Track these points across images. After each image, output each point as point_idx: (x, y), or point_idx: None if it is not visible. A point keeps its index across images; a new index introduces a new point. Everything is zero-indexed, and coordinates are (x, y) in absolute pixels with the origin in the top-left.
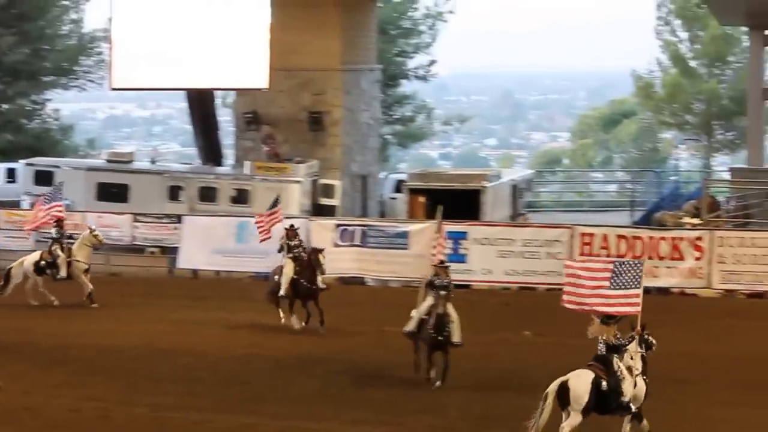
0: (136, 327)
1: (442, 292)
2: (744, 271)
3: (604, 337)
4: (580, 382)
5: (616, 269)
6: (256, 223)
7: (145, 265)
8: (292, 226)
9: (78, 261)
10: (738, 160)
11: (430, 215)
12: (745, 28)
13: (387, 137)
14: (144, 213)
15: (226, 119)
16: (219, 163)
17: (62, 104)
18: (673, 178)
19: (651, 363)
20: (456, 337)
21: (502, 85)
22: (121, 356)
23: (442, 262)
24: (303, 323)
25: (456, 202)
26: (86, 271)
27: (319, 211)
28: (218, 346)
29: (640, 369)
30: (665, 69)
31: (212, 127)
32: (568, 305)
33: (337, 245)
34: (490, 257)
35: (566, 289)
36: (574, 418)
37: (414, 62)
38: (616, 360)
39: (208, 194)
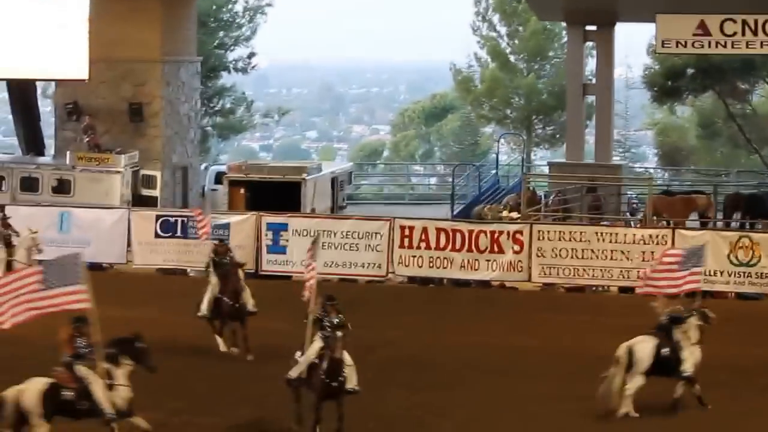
0: None
1: (338, 333)
2: (563, 264)
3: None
4: (644, 347)
5: (684, 254)
6: (196, 217)
7: None
8: (222, 241)
9: None
10: (558, 155)
11: (249, 207)
12: (563, 24)
13: (207, 129)
14: None
15: (47, 110)
16: (40, 154)
17: None
18: (492, 171)
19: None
20: (352, 383)
21: (323, 77)
22: None
23: (330, 297)
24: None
25: (276, 194)
26: None
27: (140, 202)
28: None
29: (697, 338)
30: (484, 64)
31: (33, 117)
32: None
33: (158, 236)
34: None
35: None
36: (637, 380)
37: (234, 54)
38: (675, 330)
39: (29, 184)
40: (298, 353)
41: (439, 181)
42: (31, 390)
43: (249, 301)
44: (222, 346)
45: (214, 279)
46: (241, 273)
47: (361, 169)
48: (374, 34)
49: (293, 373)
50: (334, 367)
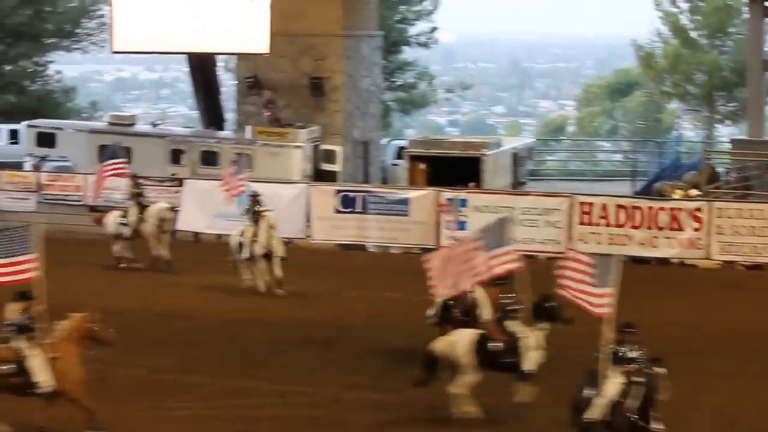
0: (135, 289)
1: (659, 370)
2: (742, 242)
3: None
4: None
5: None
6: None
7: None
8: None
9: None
10: (741, 131)
11: (430, 182)
12: (745, 0)
13: (389, 104)
14: (146, 176)
15: (228, 84)
16: (220, 128)
17: (68, 66)
18: (674, 148)
19: (648, 333)
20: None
21: (510, 52)
22: (120, 319)
23: (627, 325)
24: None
25: (456, 170)
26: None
27: (320, 176)
28: (218, 310)
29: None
30: (666, 39)
31: (214, 91)
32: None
33: (338, 211)
34: None
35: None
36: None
37: (416, 29)
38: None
39: (209, 158)
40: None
41: (623, 157)
42: (462, 341)
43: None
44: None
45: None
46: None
47: (545, 145)
48: (561, 9)
49: (594, 415)
50: (648, 408)
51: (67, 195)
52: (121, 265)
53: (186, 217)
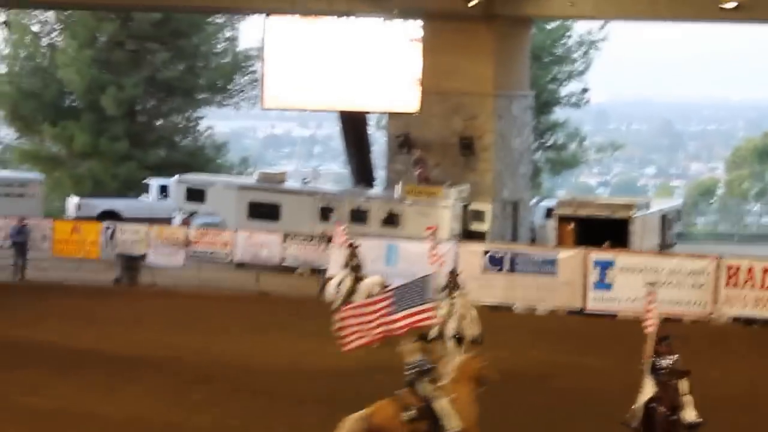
0: (281, 347)
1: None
2: None
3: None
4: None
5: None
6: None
7: (294, 285)
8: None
9: None
10: None
11: (578, 242)
12: None
13: (539, 163)
14: (294, 233)
15: (379, 141)
16: (370, 185)
17: (221, 122)
18: None
19: None
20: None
21: (662, 114)
22: (264, 376)
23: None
24: None
25: (604, 231)
26: None
27: (469, 236)
28: (363, 367)
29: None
30: None
31: (364, 148)
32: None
33: (485, 271)
34: (637, 286)
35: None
36: None
37: (567, 89)
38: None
39: (359, 216)
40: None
41: None
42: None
43: None
44: None
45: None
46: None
47: (695, 207)
48: (713, 72)
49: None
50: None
51: (215, 251)
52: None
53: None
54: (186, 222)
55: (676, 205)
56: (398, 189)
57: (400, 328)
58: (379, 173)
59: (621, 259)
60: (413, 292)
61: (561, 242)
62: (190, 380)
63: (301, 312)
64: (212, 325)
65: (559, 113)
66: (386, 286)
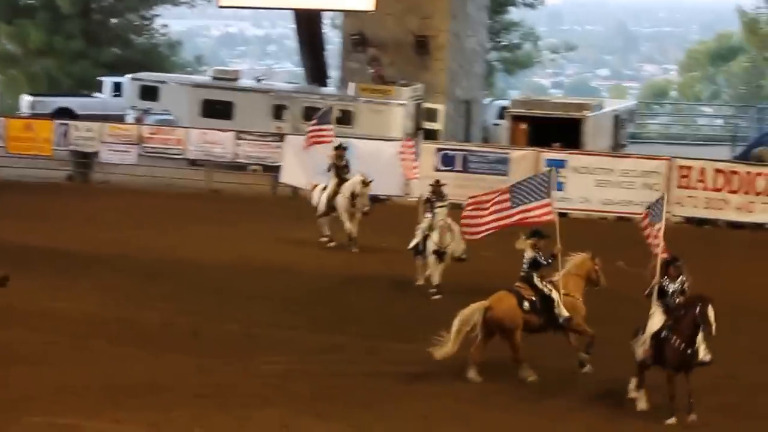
0: (233, 244)
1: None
2: None
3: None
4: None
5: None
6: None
7: (246, 182)
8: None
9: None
10: None
11: (531, 142)
12: None
13: (493, 63)
14: (247, 131)
15: (333, 40)
16: (324, 84)
17: (175, 21)
18: None
19: (737, 297)
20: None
21: (616, 15)
22: (215, 273)
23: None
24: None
25: (557, 131)
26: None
27: (422, 134)
28: (314, 265)
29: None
30: None
31: (319, 47)
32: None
33: (438, 170)
34: (588, 186)
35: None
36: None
37: None
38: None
39: (311, 114)
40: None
41: (724, 122)
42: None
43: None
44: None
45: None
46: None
47: (648, 109)
48: None
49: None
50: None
51: (168, 148)
52: (322, 239)
53: (287, 172)
54: (139, 119)
55: (629, 106)
56: (352, 87)
57: (515, 222)
58: (334, 72)
59: (573, 159)
60: (532, 187)
61: (514, 142)
62: (142, 276)
63: (253, 209)
64: (163, 223)
65: (514, 13)
66: (368, 183)
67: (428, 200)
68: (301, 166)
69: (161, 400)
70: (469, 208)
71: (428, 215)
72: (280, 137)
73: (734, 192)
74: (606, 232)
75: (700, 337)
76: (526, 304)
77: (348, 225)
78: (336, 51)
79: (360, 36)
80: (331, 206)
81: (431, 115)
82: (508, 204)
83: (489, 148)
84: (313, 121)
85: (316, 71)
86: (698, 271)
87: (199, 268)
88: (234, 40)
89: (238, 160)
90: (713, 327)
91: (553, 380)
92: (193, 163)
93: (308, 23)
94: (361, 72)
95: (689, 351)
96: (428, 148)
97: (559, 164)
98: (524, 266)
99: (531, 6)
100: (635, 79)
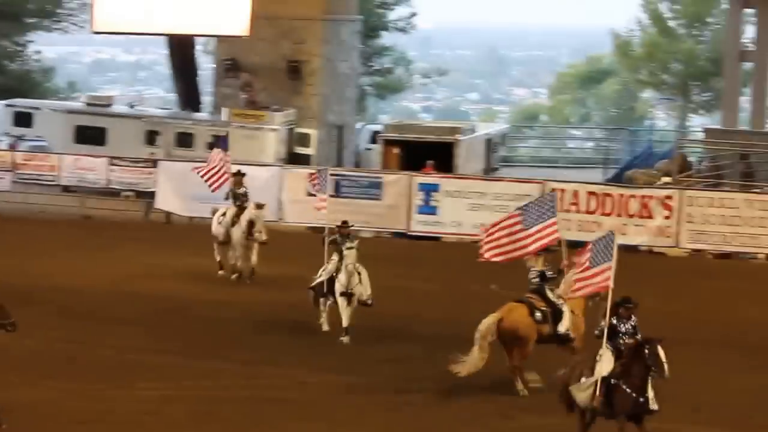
0: (107, 270)
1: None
2: (712, 231)
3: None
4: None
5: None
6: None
7: (119, 208)
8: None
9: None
10: (714, 121)
11: (403, 166)
12: None
13: (366, 88)
14: (120, 156)
15: (206, 66)
16: (197, 109)
17: (47, 47)
18: (647, 137)
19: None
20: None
21: (487, 40)
22: (89, 298)
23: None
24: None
25: (429, 155)
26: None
27: (294, 159)
28: (189, 290)
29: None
30: (644, 28)
31: (191, 73)
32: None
33: (310, 194)
34: (461, 210)
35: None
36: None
37: (395, 14)
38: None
39: (184, 139)
40: None
41: (596, 145)
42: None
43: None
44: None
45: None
46: (262, 212)
47: (519, 132)
48: None
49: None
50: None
51: (42, 175)
52: (219, 273)
53: (160, 198)
54: (13, 146)
55: (501, 129)
56: (225, 113)
57: (533, 246)
58: (207, 98)
59: (446, 183)
60: (540, 208)
61: (386, 166)
62: (16, 303)
63: (126, 235)
64: (37, 249)
65: (386, 38)
66: (262, 206)
67: (334, 241)
68: (176, 192)
69: (40, 427)
70: (491, 231)
71: (335, 257)
72: (154, 163)
73: (608, 214)
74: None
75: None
76: (538, 314)
77: (240, 260)
78: (209, 76)
79: (233, 61)
80: (228, 235)
81: (303, 140)
82: (520, 226)
83: (361, 172)
84: (216, 150)
85: (189, 97)
86: None
87: (72, 294)
88: (105, 66)
89: (112, 186)
90: (665, 369)
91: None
92: (67, 189)
93: (181, 49)
94: (234, 97)
95: (641, 399)
96: (299, 173)
97: (433, 188)
98: (533, 279)
99: (403, 30)
100: (505, 103)
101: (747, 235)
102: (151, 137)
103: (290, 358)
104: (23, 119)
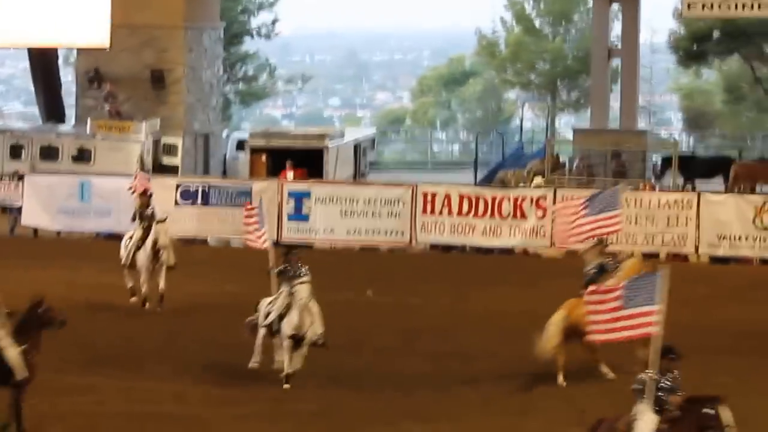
0: None
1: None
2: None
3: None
4: None
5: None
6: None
7: None
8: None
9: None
10: (582, 120)
11: (271, 174)
12: None
13: (229, 96)
14: None
15: (68, 78)
16: (61, 122)
17: None
18: (516, 138)
19: (489, 323)
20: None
21: (347, 45)
22: None
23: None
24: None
25: (299, 162)
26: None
27: (161, 170)
28: (59, 306)
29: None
30: (509, 28)
31: (54, 85)
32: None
33: (177, 204)
34: (333, 216)
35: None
36: None
37: (257, 21)
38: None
39: (49, 153)
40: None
41: (462, 147)
42: None
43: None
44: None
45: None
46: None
47: (384, 137)
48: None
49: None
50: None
51: None
52: (132, 299)
53: (28, 213)
54: None
55: (369, 134)
56: (89, 125)
57: (589, 231)
58: (69, 110)
59: (316, 189)
60: (605, 200)
61: (254, 174)
62: None
63: None
64: None
65: (249, 44)
66: (163, 220)
67: (282, 272)
68: (43, 207)
69: None
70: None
71: (283, 289)
72: (19, 178)
73: (481, 216)
74: (352, 262)
75: None
76: None
77: (144, 286)
78: (71, 88)
79: (95, 72)
80: (133, 259)
81: (169, 149)
82: (585, 211)
83: (229, 181)
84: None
85: (53, 109)
86: (447, 297)
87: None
88: None
89: None
90: None
91: None
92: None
93: (43, 61)
94: (98, 108)
95: None
96: (167, 183)
97: (303, 195)
98: (592, 271)
99: (267, 37)
100: (367, 107)
101: (622, 232)
102: (15, 151)
103: (165, 370)
104: None
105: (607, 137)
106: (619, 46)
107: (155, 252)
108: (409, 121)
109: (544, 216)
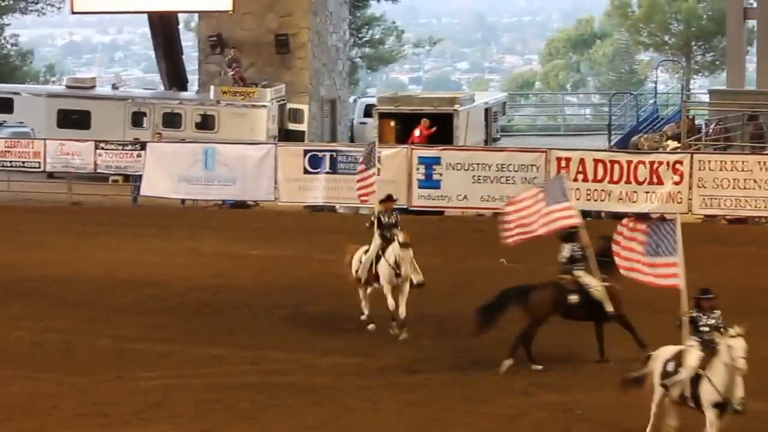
0: (98, 257)
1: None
2: (725, 195)
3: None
4: None
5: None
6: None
7: (108, 193)
8: (390, 196)
9: None
10: (718, 82)
11: (400, 140)
12: None
13: (356, 60)
14: (106, 140)
15: (190, 43)
16: (183, 88)
17: (20, 30)
18: (651, 100)
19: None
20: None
21: (474, 7)
22: (83, 287)
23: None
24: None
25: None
26: None
27: (287, 136)
28: (184, 276)
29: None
30: None
31: (175, 51)
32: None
33: (306, 172)
34: (465, 183)
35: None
36: None
37: None
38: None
39: (172, 120)
40: None
41: (594, 111)
42: None
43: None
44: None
45: (376, 239)
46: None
47: (513, 101)
48: None
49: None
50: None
51: (26, 162)
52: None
53: (149, 181)
54: None
55: (500, 98)
56: (212, 91)
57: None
58: (192, 76)
59: (446, 155)
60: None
61: (383, 140)
62: (8, 295)
63: (115, 221)
64: (25, 238)
65: (375, 8)
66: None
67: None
68: (166, 175)
69: (39, 422)
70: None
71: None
72: (141, 146)
73: (616, 182)
74: (484, 229)
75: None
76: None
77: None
78: (193, 54)
79: (217, 37)
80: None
81: (296, 116)
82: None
83: (357, 147)
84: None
85: (174, 76)
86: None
87: (65, 284)
88: (79, 48)
89: (99, 171)
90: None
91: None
92: (52, 175)
93: (164, 26)
94: (221, 74)
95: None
96: (294, 150)
97: (434, 161)
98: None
99: (393, 0)
100: (496, 71)
101: (761, 198)
102: (137, 119)
103: (294, 341)
104: (3, 105)
105: (744, 99)
106: (755, 5)
107: (397, 265)
108: (538, 84)
109: (681, 181)
